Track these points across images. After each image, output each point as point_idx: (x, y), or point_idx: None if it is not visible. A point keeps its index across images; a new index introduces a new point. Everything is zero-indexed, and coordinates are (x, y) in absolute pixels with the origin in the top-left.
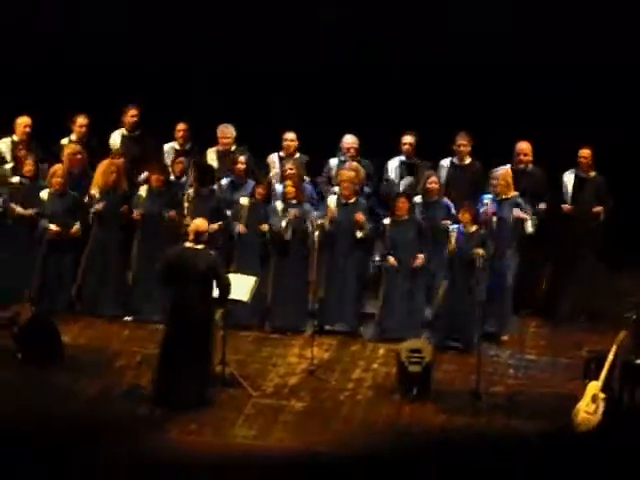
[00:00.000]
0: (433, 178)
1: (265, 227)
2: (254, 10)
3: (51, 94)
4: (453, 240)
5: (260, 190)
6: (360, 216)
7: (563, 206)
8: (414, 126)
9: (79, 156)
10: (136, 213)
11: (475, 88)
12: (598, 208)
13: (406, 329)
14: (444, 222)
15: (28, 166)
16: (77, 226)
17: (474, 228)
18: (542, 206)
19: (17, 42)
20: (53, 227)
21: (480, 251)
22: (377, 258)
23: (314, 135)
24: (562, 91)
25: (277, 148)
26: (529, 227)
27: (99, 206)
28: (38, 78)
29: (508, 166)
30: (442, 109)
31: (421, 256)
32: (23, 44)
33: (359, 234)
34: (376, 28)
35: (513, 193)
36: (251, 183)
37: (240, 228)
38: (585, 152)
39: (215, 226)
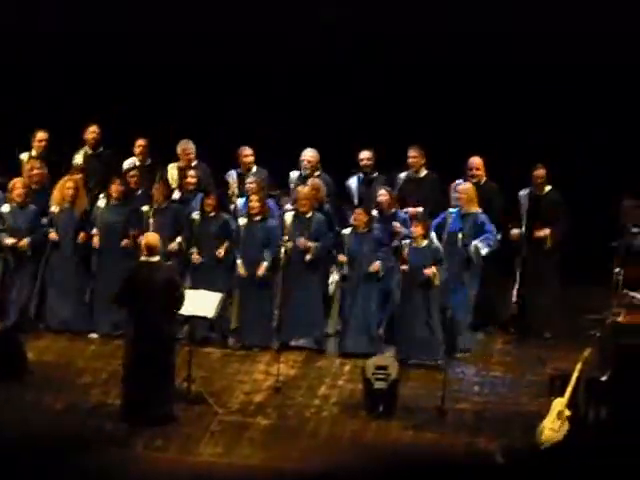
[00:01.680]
0: (381, 191)
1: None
2: (255, 10)
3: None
4: (405, 255)
5: (209, 202)
6: (302, 242)
7: (512, 232)
8: (413, 125)
9: (37, 171)
10: (95, 240)
11: (476, 88)
12: (545, 231)
13: (364, 343)
14: (395, 225)
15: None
16: (26, 240)
17: (425, 243)
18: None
19: None
20: (9, 241)
21: (433, 269)
22: (335, 278)
23: (314, 134)
24: (560, 91)
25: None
26: (483, 251)
27: (53, 235)
28: None
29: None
30: (441, 108)
31: (377, 263)
32: None
33: (308, 257)
34: (376, 28)
35: (476, 208)
36: (199, 196)
37: (194, 257)
38: (540, 172)
39: (175, 245)
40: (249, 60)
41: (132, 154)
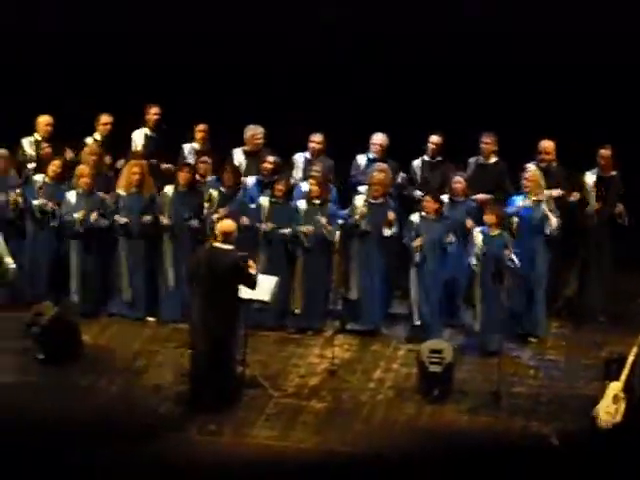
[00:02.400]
0: (457, 178)
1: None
2: (254, 10)
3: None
4: (478, 242)
5: (279, 187)
6: (391, 214)
7: (573, 195)
8: (412, 125)
9: (96, 157)
10: (164, 220)
11: (477, 87)
12: (619, 208)
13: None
14: (468, 223)
15: (53, 167)
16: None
17: (497, 231)
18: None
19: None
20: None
21: (508, 252)
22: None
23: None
24: (572, 91)
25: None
26: (552, 225)
27: (122, 220)
28: (53, 77)
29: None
30: (441, 109)
31: (451, 237)
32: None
33: (387, 232)
34: (376, 28)
35: (544, 193)
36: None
37: (263, 226)
38: (604, 153)
39: (246, 221)
40: (252, 60)
41: (187, 138)
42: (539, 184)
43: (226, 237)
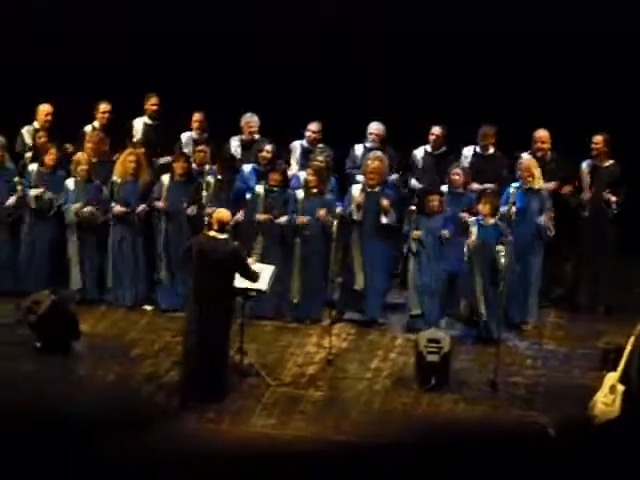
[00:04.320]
0: (457, 170)
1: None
2: (255, 10)
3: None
4: (473, 233)
5: (275, 177)
6: (385, 201)
7: (564, 189)
8: (408, 120)
9: (95, 145)
10: (161, 203)
11: (477, 85)
12: (611, 198)
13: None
14: (462, 215)
15: (51, 155)
16: (90, 208)
17: (492, 221)
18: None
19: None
20: (76, 206)
21: (500, 248)
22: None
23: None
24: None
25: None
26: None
27: (118, 209)
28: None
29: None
30: (443, 104)
31: (446, 231)
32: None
33: (384, 220)
34: (376, 28)
35: (540, 183)
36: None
37: (259, 217)
38: (597, 139)
39: (240, 217)
40: (255, 60)
41: (187, 127)
42: (533, 173)
43: (221, 226)
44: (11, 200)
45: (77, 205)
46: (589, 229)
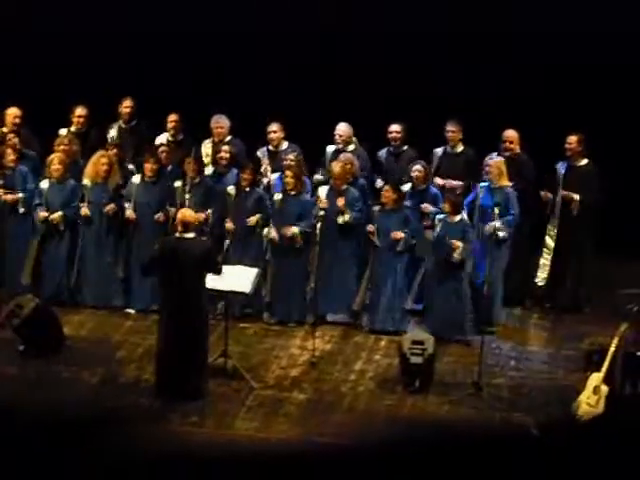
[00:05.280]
0: (416, 167)
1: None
2: (255, 10)
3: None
4: (438, 229)
5: (245, 176)
6: (340, 201)
7: (542, 194)
8: (405, 116)
9: (67, 147)
10: (128, 213)
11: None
12: (574, 195)
13: (391, 320)
14: (424, 206)
15: (10, 156)
16: (58, 214)
17: (457, 218)
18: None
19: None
20: (43, 214)
21: (458, 243)
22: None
23: (315, 133)
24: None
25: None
26: (500, 233)
27: (85, 210)
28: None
29: (495, 154)
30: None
31: (400, 232)
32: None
33: (340, 220)
34: (377, 28)
35: (506, 183)
36: (234, 172)
37: (227, 225)
38: (571, 139)
39: (202, 215)
40: (253, 59)
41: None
42: (501, 172)
43: (186, 227)
44: None
45: (43, 214)
46: (567, 229)
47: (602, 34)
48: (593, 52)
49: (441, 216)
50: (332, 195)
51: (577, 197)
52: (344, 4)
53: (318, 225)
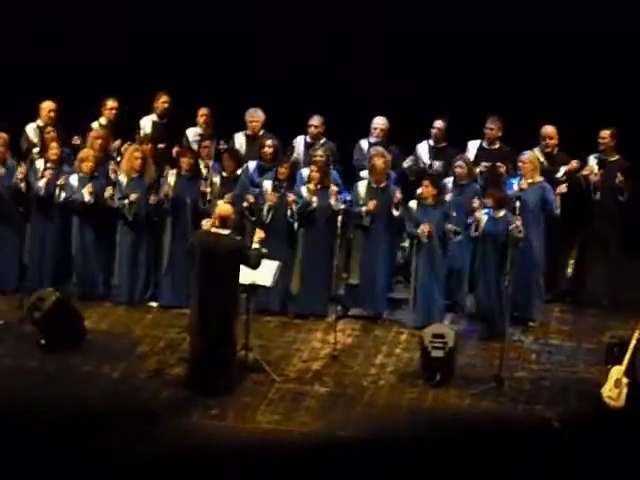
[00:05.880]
0: (459, 162)
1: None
2: (255, 10)
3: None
4: (482, 224)
5: (283, 170)
6: (398, 195)
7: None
8: (405, 116)
9: (101, 140)
10: (165, 205)
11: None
12: (620, 178)
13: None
14: (474, 204)
15: (53, 150)
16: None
17: (502, 213)
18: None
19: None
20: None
21: (517, 221)
22: (406, 244)
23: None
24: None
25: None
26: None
27: (133, 197)
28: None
29: (536, 150)
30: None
31: (427, 224)
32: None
33: (396, 212)
34: (377, 28)
35: (539, 178)
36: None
37: (270, 197)
38: (604, 133)
39: (251, 199)
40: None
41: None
42: (535, 167)
43: (223, 222)
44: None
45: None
46: (597, 224)
47: (602, 34)
48: (593, 52)
49: (485, 211)
50: (372, 190)
51: (622, 178)
52: (344, 4)
53: (339, 218)
